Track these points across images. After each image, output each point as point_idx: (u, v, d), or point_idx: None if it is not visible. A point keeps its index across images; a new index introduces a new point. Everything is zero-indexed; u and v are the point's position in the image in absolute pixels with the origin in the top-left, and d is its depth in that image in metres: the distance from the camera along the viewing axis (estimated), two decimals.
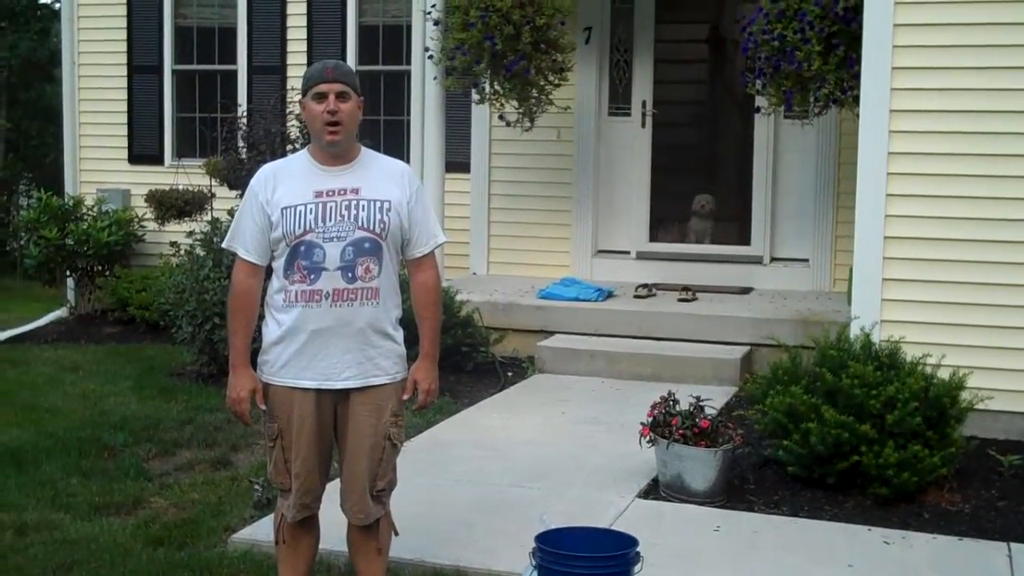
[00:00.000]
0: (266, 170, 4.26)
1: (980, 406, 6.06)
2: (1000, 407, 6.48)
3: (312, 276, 4.10)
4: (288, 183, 4.16)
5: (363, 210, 4.14)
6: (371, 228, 4.14)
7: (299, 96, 4.28)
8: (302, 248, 4.10)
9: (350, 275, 4.11)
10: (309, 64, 11.12)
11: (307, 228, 4.09)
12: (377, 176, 4.22)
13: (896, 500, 5.63)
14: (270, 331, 4.21)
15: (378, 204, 4.16)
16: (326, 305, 4.11)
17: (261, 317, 4.27)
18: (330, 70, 4.17)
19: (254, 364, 4.25)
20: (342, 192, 4.14)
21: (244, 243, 4.20)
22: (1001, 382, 6.54)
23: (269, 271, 4.26)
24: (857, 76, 7.21)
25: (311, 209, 4.11)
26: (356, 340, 4.15)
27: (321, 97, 4.13)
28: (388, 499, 4.37)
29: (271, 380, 4.20)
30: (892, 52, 6.77)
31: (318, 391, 4.16)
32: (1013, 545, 5.18)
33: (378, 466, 4.24)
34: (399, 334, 4.29)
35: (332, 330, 4.12)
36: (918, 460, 5.59)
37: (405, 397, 4.30)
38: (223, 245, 4.40)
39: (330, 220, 4.10)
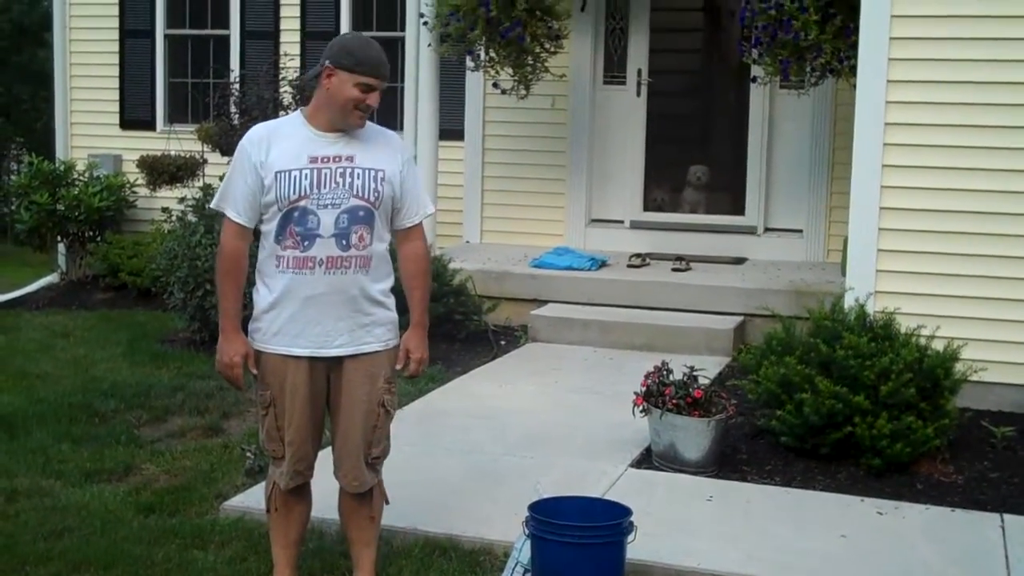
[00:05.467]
0: (259, 130, 4.19)
1: (974, 378, 6.06)
2: (994, 379, 6.47)
3: (306, 243, 4.07)
4: (282, 146, 4.10)
5: (358, 178, 4.10)
6: (365, 196, 4.10)
7: (329, 63, 4.07)
8: (296, 214, 4.06)
9: (344, 243, 4.08)
10: (303, 30, 11.10)
11: (302, 194, 4.05)
12: (371, 145, 4.18)
13: (889, 471, 5.63)
14: (261, 297, 4.18)
15: (372, 173, 4.12)
16: (319, 272, 4.07)
17: (251, 284, 4.24)
18: (385, 67, 4.12)
19: (245, 330, 4.22)
20: (337, 159, 4.10)
21: (235, 204, 4.13)
22: (995, 354, 6.53)
23: (256, 236, 4.21)
24: (854, 46, 7.16)
25: (306, 175, 4.06)
26: (349, 307, 4.12)
27: (367, 89, 4.07)
28: (381, 466, 4.35)
29: (264, 348, 4.17)
30: (890, 22, 6.72)
31: (311, 359, 4.14)
32: (1006, 516, 5.18)
33: (372, 433, 4.23)
34: (391, 301, 4.26)
35: (325, 297, 4.09)
36: (911, 431, 5.59)
37: (398, 367, 4.28)
38: (211, 206, 4.34)
39: (325, 187, 4.06)
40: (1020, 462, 5.91)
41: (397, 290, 4.32)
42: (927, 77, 6.75)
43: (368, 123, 4.26)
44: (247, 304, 4.19)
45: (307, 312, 4.10)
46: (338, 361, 4.17)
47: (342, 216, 4.07)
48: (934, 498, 5.41)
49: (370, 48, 4.12)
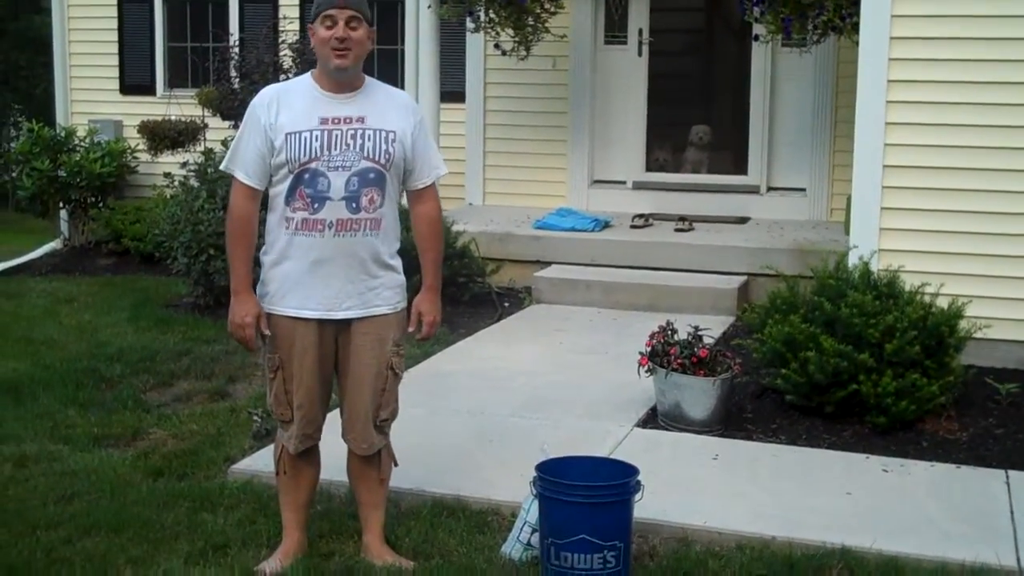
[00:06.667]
0: (268, 92, 4.18)
1: (978, 335, 6.07)
2: (998, 336, 6.47)
3: (316, 205, 4.06)
4: (292, 107, 4.09)
5: (369, 140, 4.09)
6: (376, 158, 4.09)
7: (309, 23, 4.17)
8: (306, 176, 4.05)
9: (354, 205, 4.07)
10: None
11: (312, 156, 4.04)
12: (382, 106, 4.16)
13: (894, 428, 5.64)
14: (270, 259, 4.18)
15: (383, 134, 4.11)
16: (329, 235, 4.07)
17: (259, 247, 4.24)
18: None
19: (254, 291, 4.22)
20: (347, 120, 4.08)
21: (244, 166, 4.12)
22: (999, 311, 6.53)
23: (264, 200, 4.21)
24: (857, 2, 7.11)
25: (317, 136, 4.05)
26: (358, 270, 4.12)
27: (331, 22, 4.06)
28: (389, 429, 4.37)
29: (272, 310, 4.16)
30: None
31: (320, 321, 4.14)
32: (1011, 472, 5.19)
33: (381, 396, 4.24)
34: (399, 263, 4.26)
35: (334, 260, 4.09)
36: (916, 389, 5.60)
37: (410, 329, 4.29)
38: (221, 167, 4.34)
39: (335, 149, 4.05)
40: None
41: (405, 251, 4.32)
42: (931, 34, 6.71)
43: (379, 84, 4.26)
44: (255, 268, 4.19)
45: (316, 274, 4.10)
46: (347, 324, 4.17)
47: (353, 179, 4.06)
48: (939, 455, 5.43)
49: None
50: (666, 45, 10.27)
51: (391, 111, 4.17)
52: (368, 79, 4.22)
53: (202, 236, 8.04)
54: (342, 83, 4.12)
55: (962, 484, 5.10)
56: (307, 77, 4.20)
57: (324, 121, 4.07)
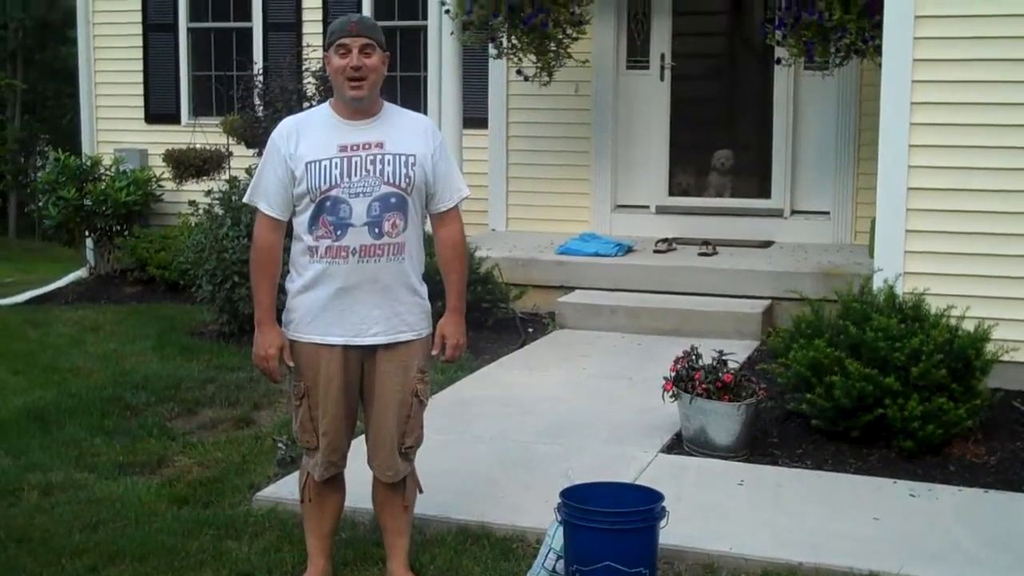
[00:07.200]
0: (287, 123, 4.21)
1: (1005, 358, 6.03)
2: None
3: (338, 232, 4.07)
4: (311, 137, 4.12)
5: (388, 165, 4.10)
6: (396, 183, 4.10)
7: (323, 51, 4.22)
8: (328, 203, 4.07)
9: (377, 231, 4.08)
10: (325, 21, 11.10)
11: (332, 183, 4.05)
12: (401, 130, 4.18)
13: (921, 453, 5.60)
14: (295, 286, 4.19)
15: (403, 158, 4.12)
16: (353, 261, 4.08)
17: (285, 275, 4.25)
18: (353, 24, 4.12)
19: (279, 321, 4.23)
20: (366, 146, 4.10)
21: (267, 198, 4.15)
22: None
23: (289, 229, 4.22)
24: (879, 25, 7.11)
25: (336, 164, 4.07)
26: (383, 296, 4.13)
27: (344, 51, 4.09)
28: (414, 456, 4.37)
29: (298, 337, 4.18)
30: (915, 0, 6.67)
31: (345, 348, 4.14)
32: None
33: (406, 423, 4.24)
34: (424, 289, 4.27)
35: (359, 286, 4.09)
36: (943, 412, 5.56)
37: (434, 352, 4.29)
38: (244, 200, 4.37)
39: (355, 175, 4.07)
40: None
41: (428, 276, 4.32)
42: (953, 56, 6.69)
43: (397, 108, 4.28)
44: (281, 295, 4.21)
45: (341, 301, 4.10)
46: (372, 350, 4.17)
47: (374, 204, 4.07)
48: (967, 480, 5.39)
49: (342, 18, 4.17)
50: (688, 69, 10.28)
51: (410, 135, 4.19)
52: (386, 104, 4.24)
53: (227, 263, 8.07)
54: (359, 110, 4.14)
55: (990, 509, 5.07)
56: (325, 106, 4.23)
57: (343, 148, 4.08)
